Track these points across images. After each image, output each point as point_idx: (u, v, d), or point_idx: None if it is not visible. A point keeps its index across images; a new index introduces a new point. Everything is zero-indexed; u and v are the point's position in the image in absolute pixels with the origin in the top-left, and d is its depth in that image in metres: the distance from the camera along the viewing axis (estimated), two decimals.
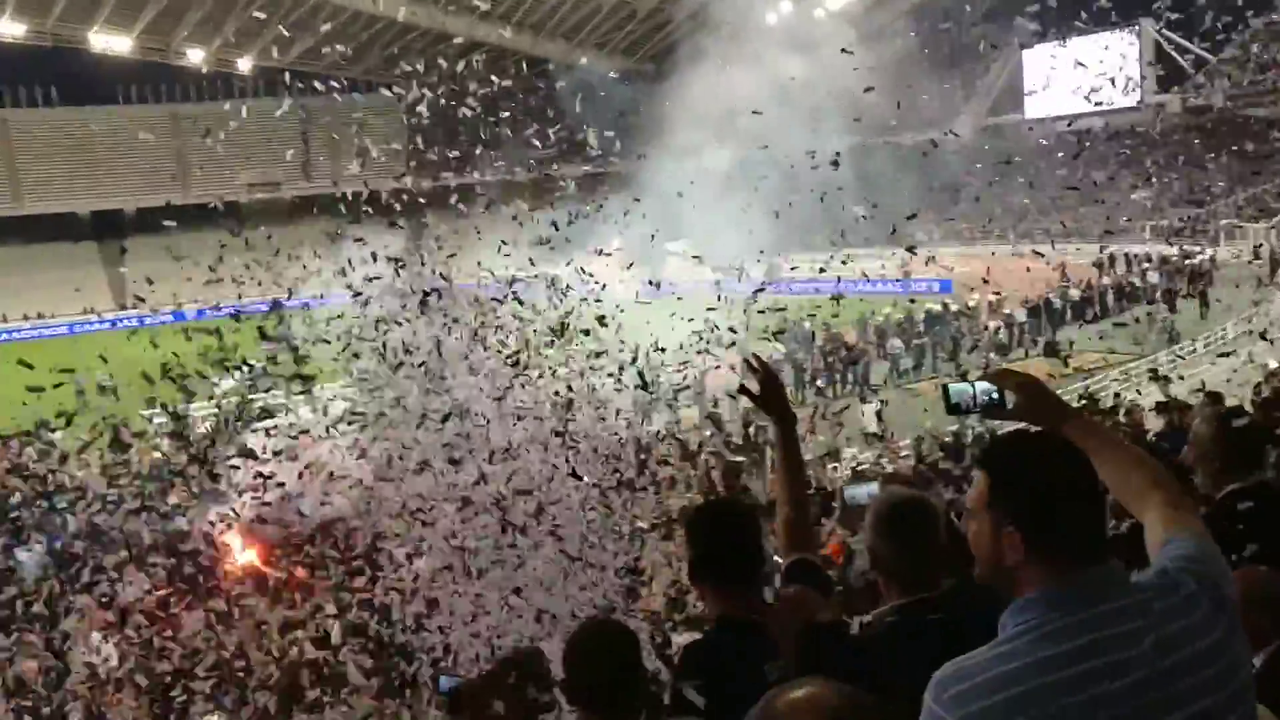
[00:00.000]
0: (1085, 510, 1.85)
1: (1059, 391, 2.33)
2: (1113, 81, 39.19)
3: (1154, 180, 46.87)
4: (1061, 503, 1.84)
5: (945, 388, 2.41)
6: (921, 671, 1.82)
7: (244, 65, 67.79)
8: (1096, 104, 51.90)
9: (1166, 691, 1.69)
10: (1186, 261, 34.83)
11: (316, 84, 40.66)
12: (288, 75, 51.97)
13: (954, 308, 32.88)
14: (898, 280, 40.39)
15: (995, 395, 2.31)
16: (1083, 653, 1.70)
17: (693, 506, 4.90)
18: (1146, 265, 35.13)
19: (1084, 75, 49.83)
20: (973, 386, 2.36)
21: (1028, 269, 25.52)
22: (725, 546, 2.96)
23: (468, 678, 2.82)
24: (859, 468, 18.11)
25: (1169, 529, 1.99)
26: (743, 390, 3.02)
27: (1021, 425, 2.30)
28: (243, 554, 14.94)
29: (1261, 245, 33.40)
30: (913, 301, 32.97)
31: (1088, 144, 47.90)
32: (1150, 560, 1.98)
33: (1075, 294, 33.68)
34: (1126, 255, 37.34)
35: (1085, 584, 1.78)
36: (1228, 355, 19.12)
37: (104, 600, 13.57)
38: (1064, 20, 33.63)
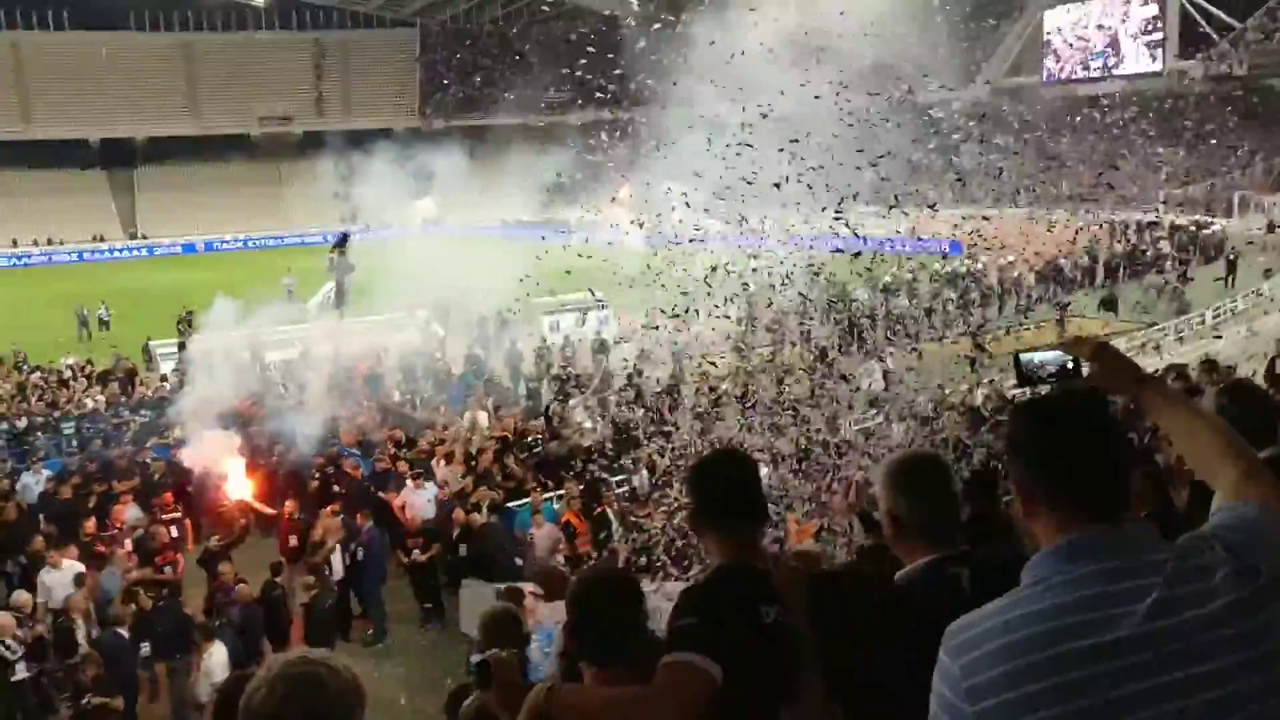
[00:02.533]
0: (1097, 469, 1.83)
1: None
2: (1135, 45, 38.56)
3: (1171, 148, 46.47)
4: (1069, 461, 1.84)
5: (1017, 357, 2.40)
6: (943, 623, 1.87)
7: None
8: (1117, 68, 51.53)
9: (1159, 653, 1.67)
10: (1200, 232, 34.61)
11: (332, 16, 40.35)
12: (304, 9, 51.50)
13: (963, 269, 32.76)
14: (906, 240, 40.22)
15: (1069, 364, 2.31)
16: (1078, 606, 1.71)
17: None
18: (1159, 234, 34.92)
19: (1106, 38, 49.27)
20: (1045, 356, 2.36)
21: (1050, 230, 25.22)
22: (725, 495, 2.97)
23: (496, 653, 2.90)
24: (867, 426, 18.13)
25: (1229, 498, 1.95)
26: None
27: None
28: (238, 489, 15.07)
29: (1275, 218, 33.12)
30: (921, 266, 32.92)
31: (1106, 109, 47.47)
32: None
33: (1086, 260, 33.55)
34: (1139, 223, 37.12)
35: (1094, 540, 1.78)
36: (1219, 338, 18.97)
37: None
38: None
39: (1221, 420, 2.15)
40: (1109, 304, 28.72)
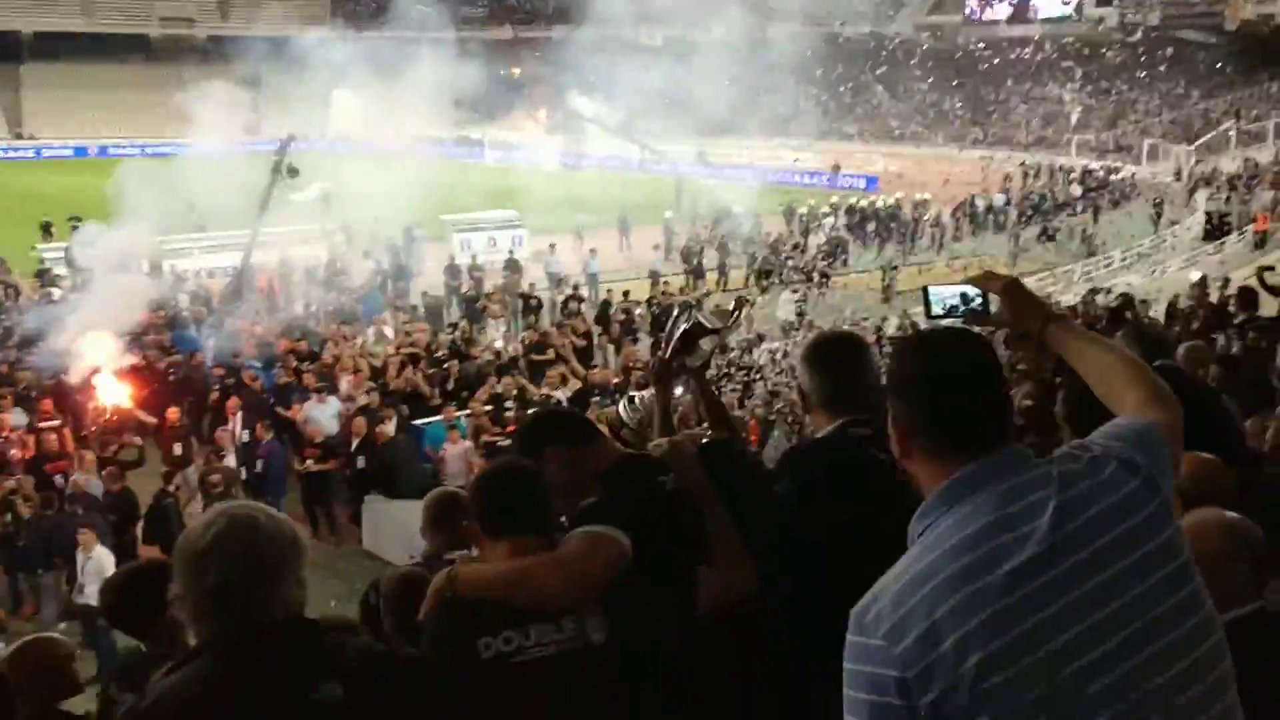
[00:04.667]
0: (977, 404, 1.79)
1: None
2: None
3: (1085, 93, 47.19)
4: (950, 396, 1.79)
5: (925, 291, 2.36)
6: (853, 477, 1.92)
7: None
8: (1034, 11, 52.19)
9: (1072, 558, 1.63)
10: (1110, 177, 35.26)
11: None
12: None
13: (880, 205, 32.92)
14: (826, 174, 40.29)
15: (978, 299, 2.27)
16: (982, 536, 1.66)
17: None
18: (1071, 177, 35.48)
19: None
20: (954, 290, 2.31)
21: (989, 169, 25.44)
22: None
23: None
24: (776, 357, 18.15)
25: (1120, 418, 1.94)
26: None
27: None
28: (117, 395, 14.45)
29: (1182, 167, 33.87)
30: (836, 201, 33.04)
31: (1024, 51, 47.98)
32: None
33: (999, 199, 33.97)
34: (1052, 166, 37.64)
35: (978, 470, 1.74)
36: (1105, 291, 19.24)
37: None
38: None
39: (1130, 353, 2.15)
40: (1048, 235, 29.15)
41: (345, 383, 14.64)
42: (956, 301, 2.29)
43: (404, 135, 32.32)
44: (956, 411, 1.78)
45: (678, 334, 3.58)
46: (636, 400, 4.65)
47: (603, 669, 2.58)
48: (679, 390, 4.54)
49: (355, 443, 12.49)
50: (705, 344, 3.60)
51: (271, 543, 2.10)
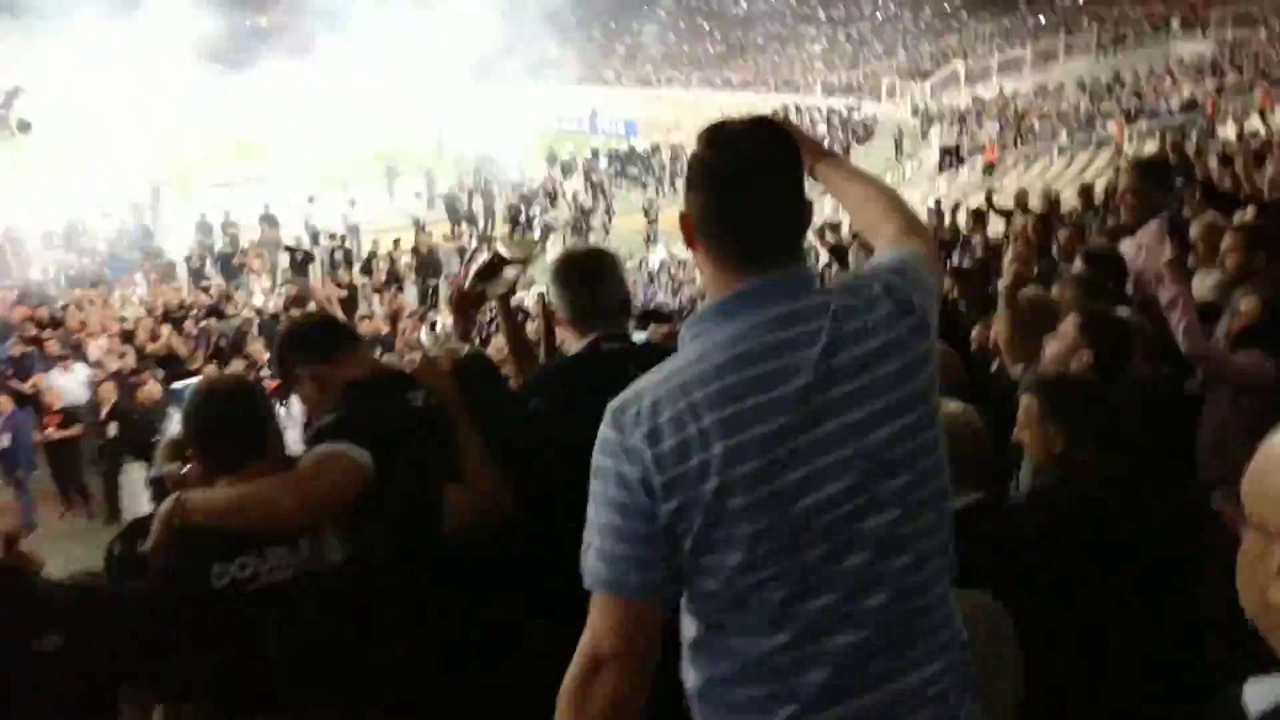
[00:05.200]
0: (762, 208, 1.71)
1: None
2: None
3: (823, 32, 49.06)
4: (730, 197, 1.70)
5: None
6: (600, 389, 1.79)
7: None
8: None
9: (839, 391, 1.63)
10: (851, 116, 36.84)
11: None
12: None
13: (639, 149, 33.47)
14: (586, 119, 40.43)
15: None
16: (748, 359, 1.63)
17: None
18: (815, 117, 36.84)
19: None
20: None
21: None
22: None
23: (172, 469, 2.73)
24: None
25: (884, 248, 1.94)
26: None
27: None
28: None
29: (918, 104, 35.70)
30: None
31: None
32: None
33: None
34: (797, 106, 39.05)
35: (757, 289, 1.68)
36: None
37: None
38: None
39: (888, 186, 2.17)
40: None
41: (94, 348, 14.01)
42: None
43: (149, 87, 30.61)
44: (747, 217, 1.70)
45: (475, 266, 3.57)
46: (438, 328, 4.47)
47: (342, 589, 2.52)
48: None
49: (105, 410, 11.99)
50: (509, 273, 3.56)
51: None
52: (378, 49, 34.29)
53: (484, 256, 3.59)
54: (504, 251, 3.57)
